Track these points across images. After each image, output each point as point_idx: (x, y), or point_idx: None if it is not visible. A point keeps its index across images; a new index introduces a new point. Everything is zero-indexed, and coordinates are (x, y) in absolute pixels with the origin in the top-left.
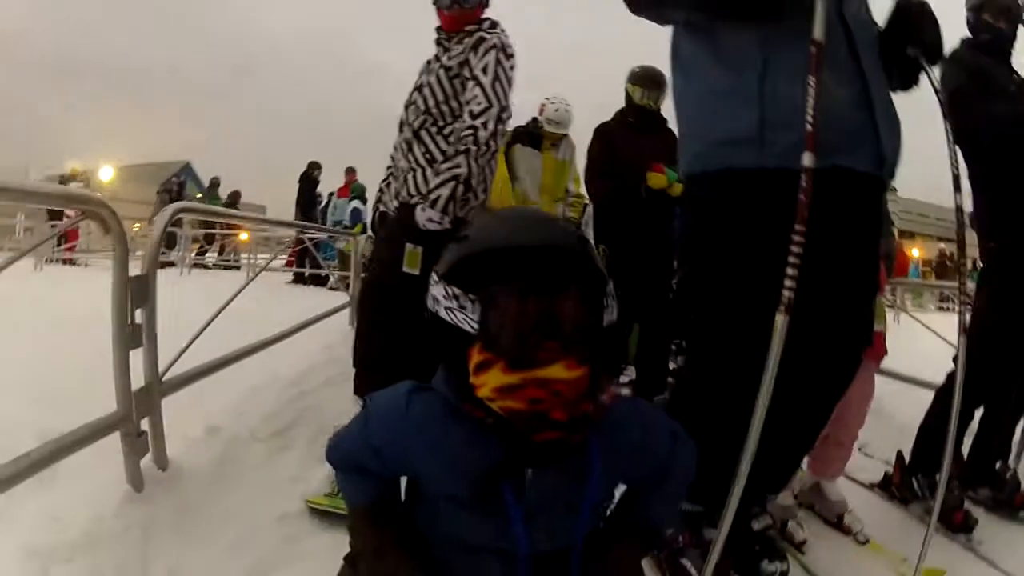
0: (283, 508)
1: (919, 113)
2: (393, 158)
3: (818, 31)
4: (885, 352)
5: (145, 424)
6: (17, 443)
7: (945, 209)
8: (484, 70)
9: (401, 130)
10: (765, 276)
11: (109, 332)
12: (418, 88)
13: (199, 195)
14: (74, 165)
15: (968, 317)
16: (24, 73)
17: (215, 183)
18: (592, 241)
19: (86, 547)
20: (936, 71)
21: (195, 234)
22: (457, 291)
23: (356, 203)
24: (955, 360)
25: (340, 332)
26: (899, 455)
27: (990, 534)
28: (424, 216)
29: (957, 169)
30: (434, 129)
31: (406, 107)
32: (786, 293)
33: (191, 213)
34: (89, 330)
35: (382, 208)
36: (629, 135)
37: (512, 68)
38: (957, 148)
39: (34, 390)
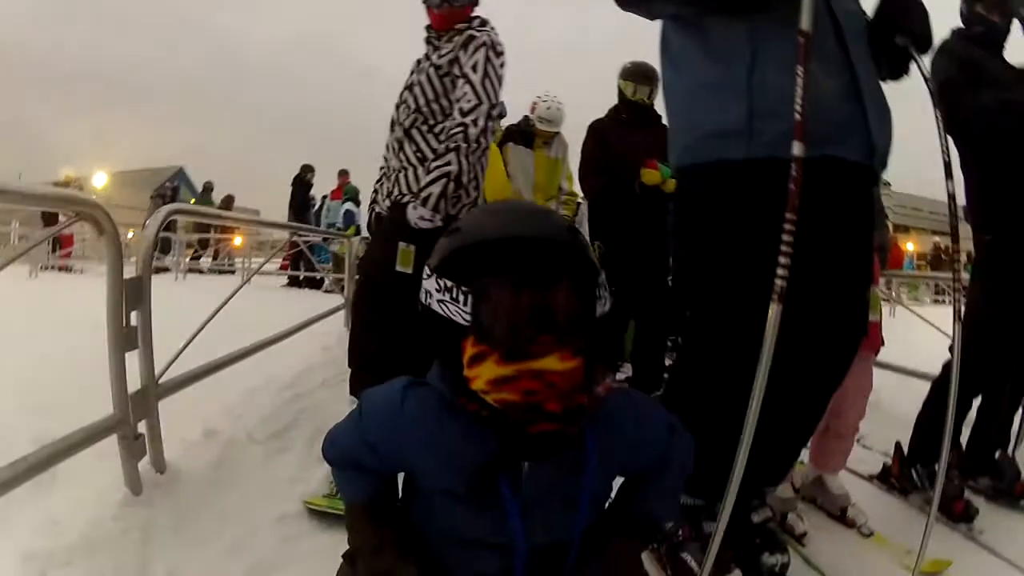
0: (281, 509)
1: (911, 108)
2: (385, 158)
3: (805, 21)
4: (882, 343)
5: (142, 427)
6: (13, 449)
7: (938, 203)
8: (474, 68)
9: (392, 129)
10: (757, 267)
11: (104, 337)
12: (409, 87)
13: (192, 200)
14: (67, 172)
15: (963, 306)
16: (17, 81)
17: (208, 188)
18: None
19: (84, 551)
20: (926, 60)
21: (189, 239)
22: (450, 284)
23: (349, 205)
24: (951, 350)
25: (336, 334)
26: (898, 446)
27: (991, 523)
28: (416, 214)
29: (948, 157)
30: (425, 128)
31: (397, 106)
32: (779, 282)
33: (185, 215)
34: (84, 335)
35: (377, 209)
36: (623, 131)
37: (502, 65)
38: (948, 138)
39: (29, 396)
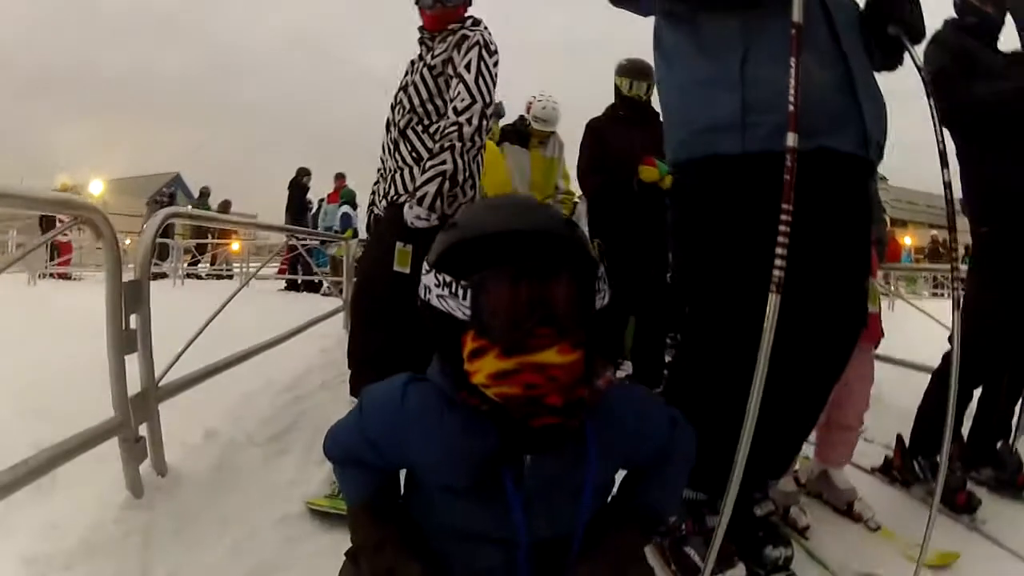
0: (283, 511)
1: (908, 100)
2: (382, 159)
3: (797, 14)
4: (881, 334)
5: (143, 430)
6: (12, 454)
7: (935, 196)
8: (467, 67)
9: (388, 130)
10: (755, 259)
11: (103, 343)
12: (403, 88)
13: (190, 206)
14: (64, 179)
15: (961, 295)
16: (13, 89)
17: (205, 193)
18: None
19: (85, 554)
20: (919, 50)
21: (187, 245)
22: (449, 279)
23: (346, 208)
24: (951, 340)
25: (335, 336)
26: (899, 438)
27: (994, 514)
28: (412, 214)
29: (943, 145)
30: (420, 128)
31: (392, 107)
32: (776, 272)
33: (182, 218)
34: (83, 342)
35: (376, 211)
36: (620, 129)
37: (495, 64)
38: (944, 128)
39: (28, 402)
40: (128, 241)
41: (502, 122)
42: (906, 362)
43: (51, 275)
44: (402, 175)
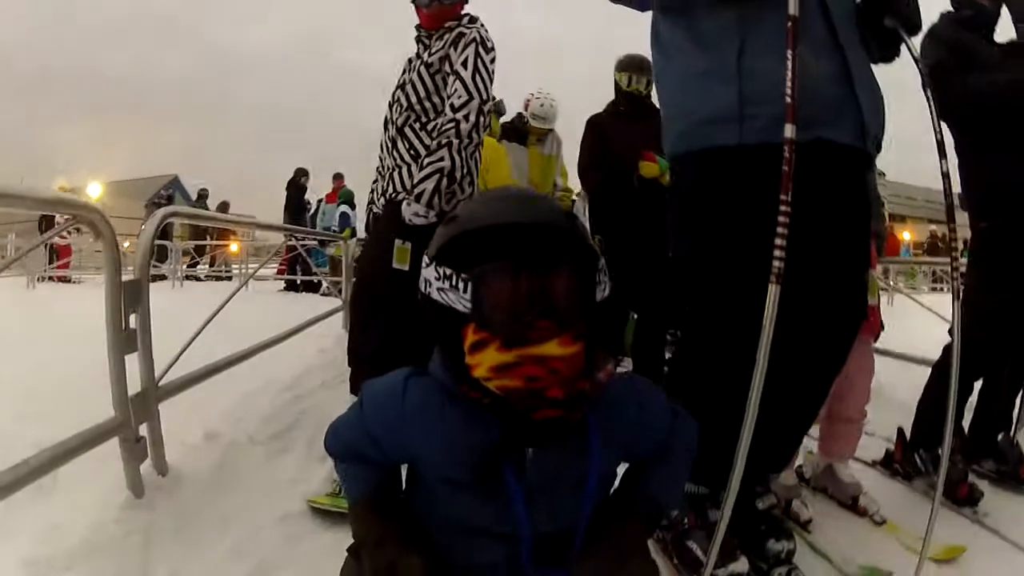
0: (284, 509)
1: (906, 94)
2: (380, 157)
3: (792, 6)
4: (881, 326)
5: (143, 430)
6: (11, 455)
7: (933, 191)
8: (464, 64)
9: (386, 128)
10: (754, 252)
11: (103, 345)
12: (401, 86)
13: None
14: (62, 182)
15: (960, 287)
16: (13, 89)
17: (203, 195)
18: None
19: (86, 555)
20: (916, 42)
21: (186, 246)
22: (449, 272)
23: (344, 208)
24: (951, 332)
25: (334, 336)
26: (900, 431)
27: (996, 506)
28: (410, 211)
29: (941, 135)
30: (417, 125)
31: (390, 105)
32: (776, 263)
33: (180, 217)
34: (83, 344)
35: (375, 210)
36: (620, 125)
37: (492, 61)
38: (941, 121)
39: (28, 404)
40: (127, 244)
41: (501, 120)
42: (906, 355)
43: (50, 278)
44: (400, 173)
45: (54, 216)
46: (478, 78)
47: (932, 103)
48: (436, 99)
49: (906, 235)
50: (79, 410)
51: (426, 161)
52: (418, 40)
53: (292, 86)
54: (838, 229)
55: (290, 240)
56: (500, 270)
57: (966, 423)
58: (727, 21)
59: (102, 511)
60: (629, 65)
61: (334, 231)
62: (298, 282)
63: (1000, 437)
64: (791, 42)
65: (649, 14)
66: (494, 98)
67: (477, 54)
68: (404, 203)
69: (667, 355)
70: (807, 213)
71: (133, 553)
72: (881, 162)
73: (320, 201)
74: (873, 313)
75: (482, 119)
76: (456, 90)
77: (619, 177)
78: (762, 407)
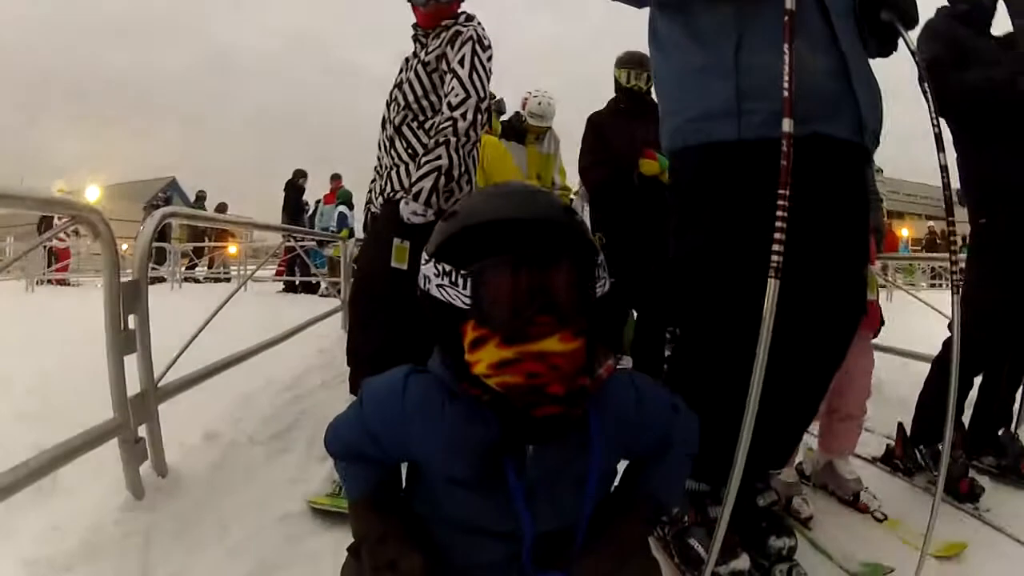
0: (284, 509)
1: (904, 91)
2: (378, 156)
3: (789, 1)
4: (881, 322)
5: (143, 431)
6: (10, 457)
7: (932, 187)
8: (461, 62)
9: (384, 127)
10: (753, 247)
11: (102, 347)
12: (398, 85)
13: None
14: (60, 185)
15: (959, 282)
16: (12, 89)
17: (201, 196)
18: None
19: (86, 556)
20: (912, 36)
21: (184, 248)
22: (448, 268)
23: (343, 209)
24: (951, 327)
25: (333, 336)
26: (900, 427)
27: (997, 501)
28: (408, 210)
29: (939, 129)
30: (415, 124)
31: (387, 104)
32: (775, 258)
33: (179, 218)
34: (82, 347)
35: (373, 209)
36: (620, 122)
37: (489, 59)
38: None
39: (27, 406)
40: (125, 247)
41: (501, 119)
42: (905, 351)
43: (49, 281)
44: (398, 172)
45: (53, 218)
46: (475, 76)
47: (929, 97)
48: (433, 97)
49: (904, 231)
50: (78, 411)
51: (424, 160)
52: (415, 39)
53: (292, 86)
54: (837, 224)
55: (288, 241)
56: (500, 266)
57: (966, 419)
58: (724, 17)
59: (102, 512)
60: (629, 62)
61: (332, 232)
62: (297, 283)
63: (1001, 432)
64: (788, 37)
65: (647, 11)
66: (493, 96)
67: (474, 52)
68: (402, 202)
69: (666, 353)
70: (805, 208)
71: (133, 554)
72: (879, 158)
73: (318, 202)
74: (873, 308)
75: (479, 117)
76: (453, 88)
77: (620, 175)
78: (762, 403)
